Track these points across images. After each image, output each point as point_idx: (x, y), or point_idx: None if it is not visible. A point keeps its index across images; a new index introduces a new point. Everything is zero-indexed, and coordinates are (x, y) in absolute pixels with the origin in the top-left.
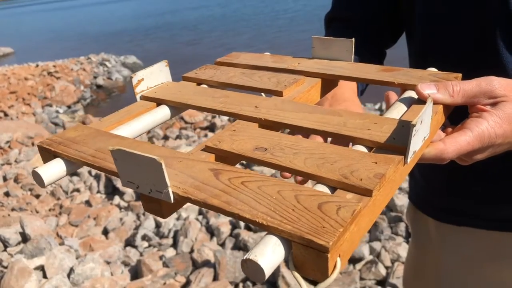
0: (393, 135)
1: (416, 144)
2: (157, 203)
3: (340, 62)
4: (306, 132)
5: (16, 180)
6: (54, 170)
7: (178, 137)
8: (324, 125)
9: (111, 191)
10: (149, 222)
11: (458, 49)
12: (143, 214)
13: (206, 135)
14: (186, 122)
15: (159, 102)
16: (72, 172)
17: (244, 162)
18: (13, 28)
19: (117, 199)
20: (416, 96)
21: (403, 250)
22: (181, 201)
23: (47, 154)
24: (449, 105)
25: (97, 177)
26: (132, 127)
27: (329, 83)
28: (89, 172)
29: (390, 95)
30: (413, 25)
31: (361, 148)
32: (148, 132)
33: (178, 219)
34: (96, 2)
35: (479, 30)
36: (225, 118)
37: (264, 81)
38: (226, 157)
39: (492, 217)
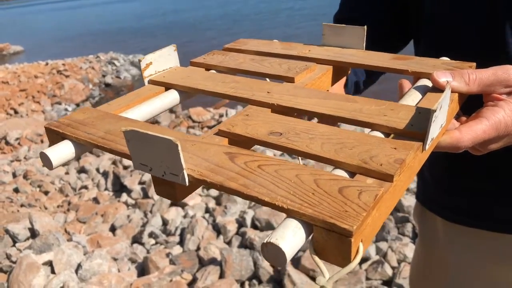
0: (410, 121)
1: (434, 131)
2: (171, 186)
3: (351, 50)
4: (321, 118)
5: (25, 176)
6: (62, 152)
7: None
8: (339, 111)
9: (119, 189)
10: (156, 220)
11: (466, 49)
12: (150, 212)
13: None
14: (193, 121)
15: (167, 86)
16: (81, 154)
17: (259, 146)
18: (23, 27)
19: (124, 197)
20: (430, 85)
21: (409, 250)
22: (196, 184)
23: (55, 136)
24: (465, 94)
25: (105, 175)
26: (142, 110)
27: (340, 70)
28: (97, 170)
29: (403, 83)
30: (421, 26)
31: (378, 134)
32: None
33: (185, 217)
34: (105, 1)
35: (487, 30)
36: None
37: (274, 67)
38: (239, 141)
39: (502, 218)
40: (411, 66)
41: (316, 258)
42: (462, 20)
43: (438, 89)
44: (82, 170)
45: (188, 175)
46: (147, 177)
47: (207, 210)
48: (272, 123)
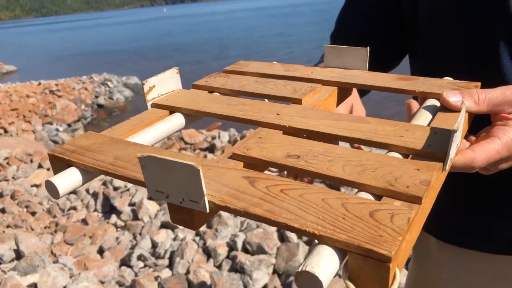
0: (427, 142)
1: (453, 151)
2: (188, 214)
3: (355, 70)
4: (335, 139)
5: (12, 196)
6: (69, 179)
7: None
8: (354, 132)
9: (108, 210)
10: (145, 242)
11: (463, 63)
12: (140, 234)
13: (205, 156)
14: (186, 143)
15: (172, 110)
16: (88, 181)
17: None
18: (17, 47)
19: (114, 218)
20: (438, 104)
21: (403, 276)
22: (216, 210)
23: (60, 164)
24: (474, 113)
25: (94, 196)
26: (147, 135)
27: (344, 91)
28: (87, 191)
29: (411, 103)
30: (416, 43)
31: (396, 155)
32: None
33: (174, 239)
34: (99, 24)
35: (485, 52)
36: (225, 139)
37: (280, 89)
38: (255, 165)
39: (497, 237)
40: (418, 86)
41: (351, 285)
42: (459, 31)
43: (447, 109)
44: (71, 191)
45: (208, 201)
46: (137, 198)
47: (197, 233)
48: (287, 145)
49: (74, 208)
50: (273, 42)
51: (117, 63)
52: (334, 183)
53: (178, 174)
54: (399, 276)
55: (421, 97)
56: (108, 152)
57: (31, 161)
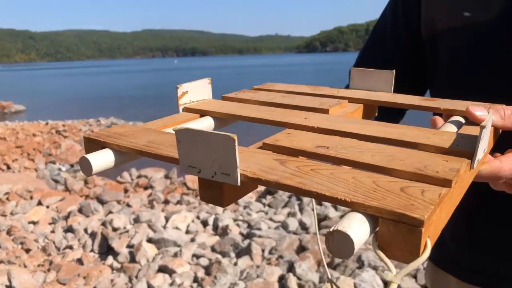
0: (455, 142)
1: (481, 149)
2: (219, 189)
3: (380, 92)
4: (366, 140)
5: (8, 232)
6: (102, 158)
7: (179, 202)
8: (383, 133)
9: (105, 251)
10: (141, 285)
11: (484, 97)
12: (136, 277)
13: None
14: (188, 188)
15: (203, 113)
16: (121, 163)
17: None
18: (28, 88)
19: (110, 260)
20: (463, 121)
21: None
22: (248, 184)
23: (94, 146)
24: (499, 128)
25: (92, 235)
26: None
27: (370, 109)
28: (85, 230)
29: (436, 119)
30: (436, 75)
31: None
32: (150, 195)
33: (171, 284)
34: (107, 71)
35: (505, 80)
36: None
37: (307, 101)
38: (284, 154)
39: None
40: (442, 105)
41: (381, 254)
42: (480, 71)
43: (472, 123)
44: (69, 230)
45: (240, 174)
46: (136, 240)
47: (195, 279)
48: (316, 139)
49: (70, 247)
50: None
51: (125, 108)
52: (363, 169)
53: (213, 146)
54: (430, 247)
55: (445, 115)
56: (142, 137)
57: (31, 197)
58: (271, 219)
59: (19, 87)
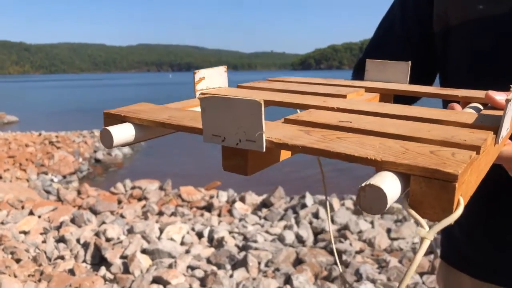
0: (479, 120)
1: (504, 128)
2: (243, 158)
3: (396, 83)
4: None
5: None
6: (124, 131)
7: (174, 214)
8: (405, 112)
9: (98, 262)
10: None
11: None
12: None
13: (202, 215)
14: (183, 200)
15: None
16: (141, 139)
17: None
18: (22, 100)
19: (103, 270)
20: (482, 108)
21: None
22: (274, 151)
23: (113, 121)
24: None
25: (85, 246)
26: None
27: (386, 99)
28: (78, 240)
29: (454, 105)
30: (450, 75)
31: None
32: (144, 206)
33: None
34: (103, 84)
35: None
36: (223, 199)
37: (323, 89)
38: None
39: None
40: (460, 93)
41: (412, 211)
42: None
43: (492, 108)
44: (61, 240)
45: (266, 140)
46: (129, 251)
47: None
48: (338, 116)
49: (62, 258)
50: None
51: None
52: (391, 139)
53: (239, 112)
54: (463, 205)
55: (463, 102)
56: (163, 113)
57: (23, 207)
58: (267, 232)
59: (12, 99)
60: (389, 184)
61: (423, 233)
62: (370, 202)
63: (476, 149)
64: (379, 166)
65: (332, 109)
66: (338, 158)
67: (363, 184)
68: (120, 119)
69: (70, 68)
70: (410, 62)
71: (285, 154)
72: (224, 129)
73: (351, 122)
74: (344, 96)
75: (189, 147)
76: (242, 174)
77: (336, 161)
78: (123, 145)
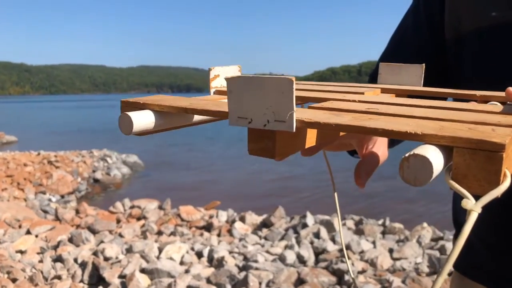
0: (505, 109)
1: None
2: (271, 140)
3: (410, 86)
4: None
5: None
6: (144, 116)
7: (173, 233)
8: (429, 103)
9: (96, 281)
10: None
11: None
12: None
13: (202, 234)
14: (182, 220)
15: None
16: (161, 127)
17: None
18: (21, 120)
19: None
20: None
21: None
22: (304, 133)
23: (132, 109)
24: None
25: (82, 265)
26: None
27: None
28: (75, 260)
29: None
30: (463, 82)
31: None
32: (143, 225)
33: None
34: (102, 105)
35: None
36: (223, 219)
37: (339, 89)
38: None
39: None
40: (478, 92)
41: (456, 185)
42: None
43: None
44: (58, 259)
45: (296, 120)
46: (128, 270)
47: None
48: (363, 105)
49: (59, 277)
50: None
51: (118, 141)
52: (422, 121)
53: (268, 91)
54: (510, 177)
55: (481, 101)
56: (183, 101)
57: (20, 226)
58: (267, 252)
59: (11, 119)
60: (434, 154)
61: (470, 205)
62: (414, 172)
63: None
64: (419, 139)
65: (353, 101)
66: (374, 134)
67: (406, 155)
68: (139, 107)
69: (70, 89)
70: (424, 64)
71: (311, 140)
72: (251, 110)
73: (377, 109)
74: (361, 93)
75: (188, 167)
76: (270, 157)
77: (337, 181)
78: (142, 133)
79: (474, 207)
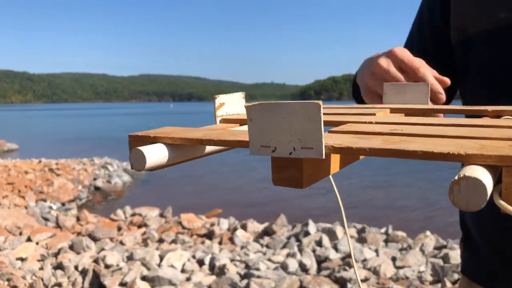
0: None
1: None
2: (297, 168)
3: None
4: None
5: None
6: (156, 151)
7: (174, 241)
8: (446, 122)
9: None
10: None
11: None
12: None
13: (203, 242)
14: (183, 228)
15: (242, 123)
16: (175, 160)
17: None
18: (23, 128)
19: None
20: None
21: None
22: (327, 160)
23: (141, 144)
24: None
25: (83, 273)
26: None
27: None
28: (76, 267)
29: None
30: (469, 84)
31: None
32: (144, 233)
33: None
34: (108, 113)
35: None
36: (225, 227)
37: (348, 111)
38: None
39: None
40: (490, 107)
41: (508, 206)
42: None
43: None
44: (58, 267)
45: (325, 146)
46: (129, 277)
47: None
48: (385, 126)
49: (59, 285)
50: None
51: (119, 149)
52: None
53: (293, 117)
54: None
55: (492, 116)
56: (195, 132)
57: (20, 233)
58: (269, 260)
59: (12, 127)
60: (484, 176)
61: None
62: (467, 196)
63: None
64: (463, 160)
65: (370, 123)
66: (413, 157)
67: (456, 178)
68: (149, 141)
69: (71, 98)
70: (429, 83)
71: (335, 166)
72: (275, 138)
73: (402, 130)
74: (373, 114)
75: (189, 175)
76: (297, 187)
77: (339, 189)
78: (155, 168)
79: None
